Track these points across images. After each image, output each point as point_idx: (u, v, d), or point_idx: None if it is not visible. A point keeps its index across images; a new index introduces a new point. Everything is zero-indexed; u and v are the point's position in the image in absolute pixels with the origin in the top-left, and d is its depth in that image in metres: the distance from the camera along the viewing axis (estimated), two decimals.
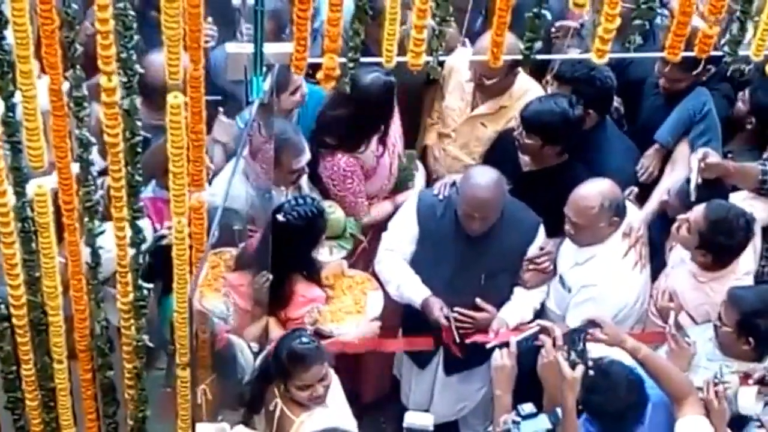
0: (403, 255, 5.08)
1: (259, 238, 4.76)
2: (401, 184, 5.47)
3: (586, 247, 4.82)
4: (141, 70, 3.46)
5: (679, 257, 4.80)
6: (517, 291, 5.05)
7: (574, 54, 5.15)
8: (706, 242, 4.54)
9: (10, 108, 3.46)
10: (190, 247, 3.76)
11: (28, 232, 3.75)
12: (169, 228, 3.98)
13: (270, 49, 3.41)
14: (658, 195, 5.05)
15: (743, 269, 4.67)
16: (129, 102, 3.46)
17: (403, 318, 5.33)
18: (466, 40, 5.30)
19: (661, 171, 5.26)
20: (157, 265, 4.14)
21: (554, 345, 4.13)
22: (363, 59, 3.51)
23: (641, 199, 5.11)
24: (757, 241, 4.82)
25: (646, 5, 3.35)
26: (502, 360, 4.28)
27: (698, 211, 4.56)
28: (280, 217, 4.64)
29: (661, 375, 4.14)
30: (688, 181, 4.81)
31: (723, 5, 3.40)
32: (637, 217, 4.91)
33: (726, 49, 3.61)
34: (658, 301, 4.78)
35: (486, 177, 4.81)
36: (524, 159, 5.17)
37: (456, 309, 4.92)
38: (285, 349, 4.20)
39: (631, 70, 5.35)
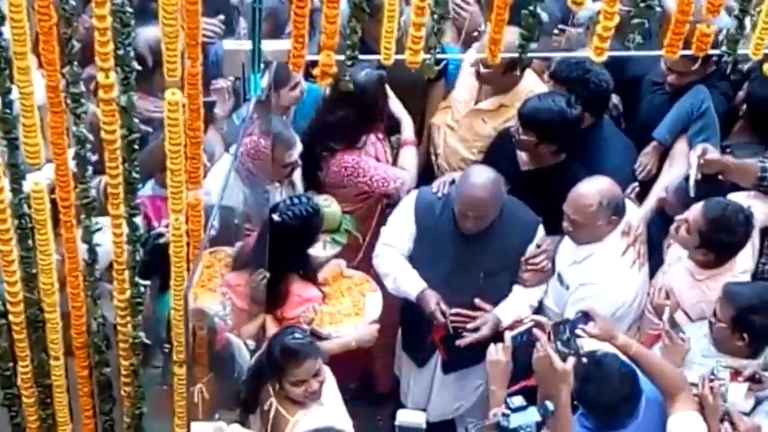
0: (401, 251, 5.07)
1: (255, 236, 4.76)
2: None
3: (584, 246, 4.82)
4: (138, 67, 3.45)
5: (677, 255, 4.80)
6: (515, 289, 5.05)
7: (573, 52, 5.15)
8: (706, 241, 4.54)
9: (7, 104, 3.46)
10: (188, 244, 3.76)
11: (25, 229, 3.75)
12: (167, 226, 3.98)
13: (268, 46, 3.41)
14: (657, 193, 5.05)
15: (741, 267, 4.67)
16: (126, 99, 3.45)
17: (401, 318, 5.33)
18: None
19: (659, 168, 5.25)
20: (154, 263, 4.13)
21: (549, 339, 4.14)
22: (361, 57, 3.51)
23: (640, 197, 5.11)
24: (755, 239, 4.81)
25: (645, 4, 3.35)
26: (497, 355, 4.29)
27: (696, 211, 4.56)
28: (275, 216, 4.64)
29: (653, 371, 4.14)
30: (686, 178, 4.81)
31: (720, 4, 3.40)
32: (636, 215, 4.91)
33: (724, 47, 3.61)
34: (654, 298, 4.78)
35: (483, 177, 4.81)
36: (522, 158, 5.17)
37: (454, 310, 4.91)
38: (278, 345, 4.21)
39: (629, 68, 5.35)
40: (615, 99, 5.40)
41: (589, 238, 4.81)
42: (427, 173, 5.56)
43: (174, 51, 3.33)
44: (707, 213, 4.52)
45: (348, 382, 4.99)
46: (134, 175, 3.62)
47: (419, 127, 5.62)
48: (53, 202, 3.70)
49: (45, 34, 3.28)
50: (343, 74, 3.54)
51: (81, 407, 4.33)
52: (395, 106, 5.39)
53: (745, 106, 5.14)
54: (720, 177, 4.85)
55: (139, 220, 3.85)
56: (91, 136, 3.61)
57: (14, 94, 3.41)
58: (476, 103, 5.42)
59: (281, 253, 4.60)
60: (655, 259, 4.99)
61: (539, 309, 5.03)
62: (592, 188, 4.70)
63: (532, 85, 5.31)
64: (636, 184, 5.15)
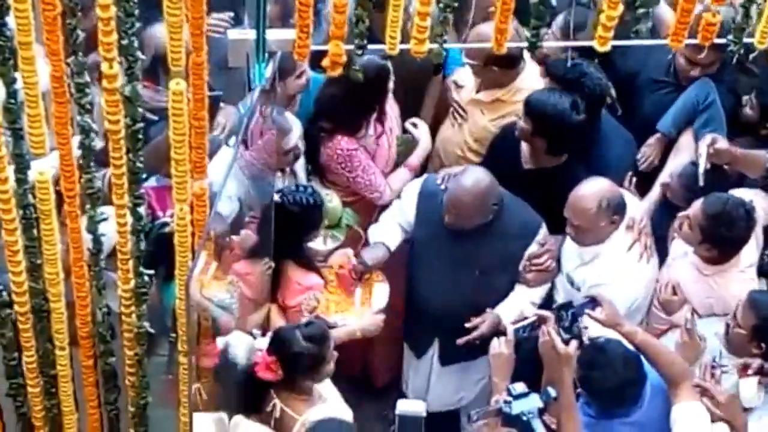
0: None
1: (258, 225, 4.76)
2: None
3: (590, 247, 4.82)
4: (142, 57, 3.45)
5: (682, 249, 4.78)
6: (517, 288, 5.03)
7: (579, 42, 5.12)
8: (708, 237, 4.52)
9: (12, 94, 3.46)
10: (192, 234, 3.76)
11: (30, 219, 3.75)
12: (172, 216, 3.97)
13: (272, 35, 3.40)
14: (659, 184, 5.04)
15: (746, 261, 4.65)
16: (131, 89, 3.45)
17: (405, 308, 5.34)
18: None
19: (662, 160, 5.24)
20: (158, 253, 4.13)
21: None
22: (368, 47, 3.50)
23: (642, 189, 5.09)
24: (758, 233, 4.80)
25: None
26: (500, 348, 4.30)
27: (696, 207, 4.55)
28: (277, 197, 4.63)
29: (658, 359, 4.13)
30: (693, 164, 4.80)
31: None
32: (639, 208, 4.90)
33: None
34: (661, 293, 4.77)
35: (472, 179, 4.79)
36: (525, 156, 5.16)
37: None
38: (303, 340, 4.12)
39: (621, 64, 5.31)
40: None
41: (593, 240, 4.79)
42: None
43: (179, 41, 3.33)
44: (707, 209, 4.51)
45: (346, 375, 4.98)
46: (138, 165, 3.62)
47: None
48: (58, 192, 3.70)
49: (49, 24, 3.28)
50: (351, 63, 3.52)
51: (86, 397, 4.35)
52: (422, 128, 5.37)
53: (748, 110, 5.09)
54: (726, 168, 4.84)
55: (143, 209, 3.85)
56: (96, 126, 3.61)
57: (19, 84, 3.41)
58: (476, 92, 5.41)
59: (280, 239, 4.59)
60: (661, 251, 4.99)
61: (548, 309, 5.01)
62: (590, 191, 4.69)
63: (533, 83, 5.29)
64: (631, 173, 5.13)
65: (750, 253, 4.66)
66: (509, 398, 3.95)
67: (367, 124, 5.21)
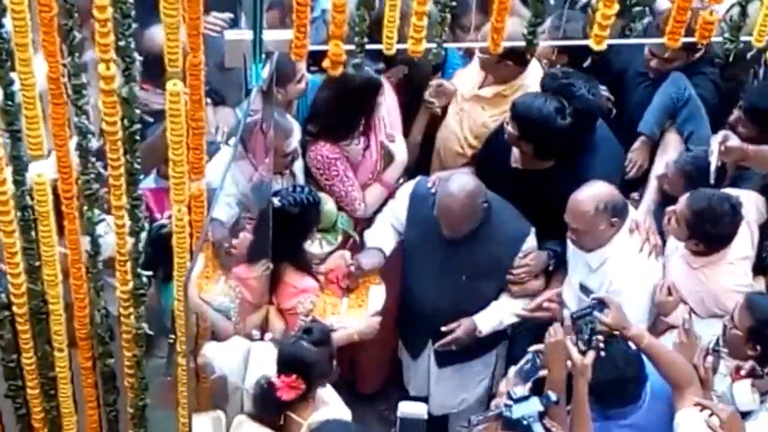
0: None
1: (255, 227, 4.75)
2: None
3: (595, 252, 4.81)
4: (139, 58, 3.45)
5: (674, 245, 4.79)
6: (502, 297, 5.04)
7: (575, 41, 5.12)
8: (694, 232, 4.54)
9: (9, 96, 3.45)
10: (191, 235, 3.76)
11: (28, 221, 3.75)
12: (170, 217, 3.97)
13: (269, 36, 3.40)
14: (654, 183, 5.04)
15: (736, 254, 4.65)
16: (128, 90, 3.45)
17: (399, 309, 5.34)
18: None
19: (650, 163, 5.24)
20: (157, 254, 4.13)
21: (562, 325, 4.10)
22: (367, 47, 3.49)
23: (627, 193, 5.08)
24: (752, 226, 4.79)
25: None
26: (556, 335, 4.12)
27: (682, 203, 4.56)
28: (275, 200, 4.63)
29: (663, 363, 4.12)
30: (687, 149, 4.79)
31: None
32: (640, 209, 4.90)
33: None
34: (656, 294, 4.77)
35: (458, 185, 4.78)
36: (515, 155, 5.16)
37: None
38: (310, 345, 4.16)
39: (615, 61, 5.31)
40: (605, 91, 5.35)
41: (594, 244, 4.79)
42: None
43: (175, 42, 3.33)
44: (692, 205, 4.52)
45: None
46: (136, 166, 3.62)
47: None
48: (56, 193, 3.70)
49: (46, 25, 3.28)
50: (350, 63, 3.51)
51: (85, 398, 4.34)
52: (398, 143, 5.36)
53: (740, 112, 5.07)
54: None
55: (140, 211, 3.84)
56: (93, 127, 3.61)
57: (16, 86, 3.41)
58: (479, 87, 5.41)
59: (276, 240, 4.59)
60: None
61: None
62: (588, 194, 4.68)
63: (535, 80, 5.28)
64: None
65: (741, 246, 4.66)
66: (510, 402, 3.93)
67: (352, 134, 5.20)
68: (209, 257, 4.76)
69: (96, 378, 4.31)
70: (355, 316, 4.89)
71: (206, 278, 4.73)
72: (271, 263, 4.67)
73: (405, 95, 5.36)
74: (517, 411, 3.90)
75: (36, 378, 4.19)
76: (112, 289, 4.05)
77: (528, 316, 5.02)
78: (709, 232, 4.52)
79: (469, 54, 5.58)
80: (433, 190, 4.98)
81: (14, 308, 3.95)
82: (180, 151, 3.54)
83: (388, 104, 5.35)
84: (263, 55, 3.43)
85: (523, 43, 3.49)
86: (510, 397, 3.94)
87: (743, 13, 3.52)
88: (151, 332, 4.11)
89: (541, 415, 3.89)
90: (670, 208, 4.62)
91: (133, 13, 3.31)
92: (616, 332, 4.14)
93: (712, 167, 4.73)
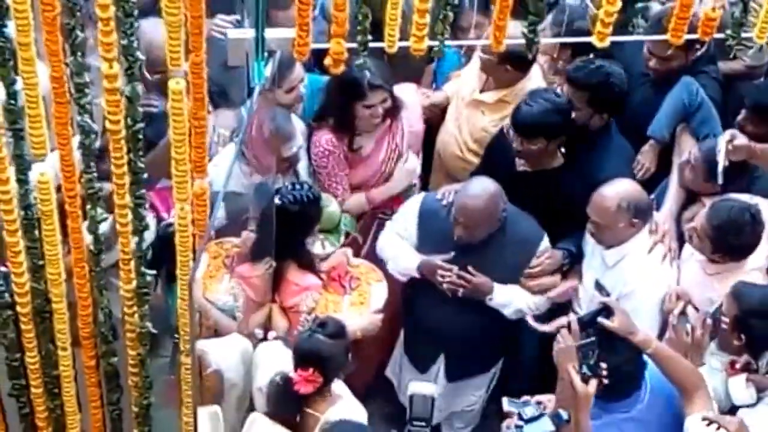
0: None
1: (257, 225, 4.75)
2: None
3: (613, 249, 4.81)
4: (142, 57, 3.45)
5: (690, 250, 4.78)
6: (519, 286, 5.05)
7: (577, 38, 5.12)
8: (718, 246, 4.52)
9: (12, 95, 3.46)
10: (193, 234, 3.76)
11: (32, 220, 3.75)
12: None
13: (271, 34, 3.40)
14: (676, 187, 5.02)
15: (753, 264, 4.61)
16: (131, 89, 3.45)
17: (405, 321, 5.33)
18: None
19: (658, 167, 5.23)
20: (163, 253, 4.13)
21: (569, 330, 4.07)
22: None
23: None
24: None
25: None
26: (565, 342, 4.08)
27: (701, 219, 4.54)
28: (276, 199, 4.63)
29: (671, 368, 4.09)
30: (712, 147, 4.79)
31: None
32: (661, 212, 4.89)
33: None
34: (666, 302, 4.75)
35: (480, 188, 4.78)
36: (519, 159, 5.15)
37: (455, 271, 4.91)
38: (328, 338, 4.19)
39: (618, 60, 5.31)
40: None
41: (612, 240, 4.79)
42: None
43: (177, 40, 3.33)
44: (712, 219, 4.50)
45: None
46: (139, 165, 3.62)
47: None
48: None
49: (48, 24, 3.28)
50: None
51: (88, 397, 4.35)
52: (401, 169, 5.35)
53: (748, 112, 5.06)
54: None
55: (144, 210, 3.84)
56: (96, 127, 3.61)
57: (19, 85, 3.41)
58: (480, 92, 5.41)
59: (279, 239, 4.59)
60: None
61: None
62: (613, 190, 4.69)
63: (536, 85, 5.28)
64: None
65: (758, 255, 4.64)
66: (521, 422, 3.92)
67: (352, 128, 5.20)
68: (213, 256, 4.77)
69: (100, 377, 4.31)
70: (357, 314, 4.90)
71: (210, 278, 4.74)
72: (274, 261, 4.68)
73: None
74: (529, 431, 3.88)
75: (39, 377, 4.19)
76: (115, 288, 4.05)
77: (546, 330, 4.97)
78: (733, 244, 4.51)
79: (468, 54, 5.59)
80: (444, 202, 4.98)
81: (18, 307, 3.95)
82: (182, 150, 3.54)
83: (412, 118, 5.36)
84: (266, 54, 3.42)
85: (523, 41, 3.48)
86: (521, 418, 3.92)
87: (745, 10, 3.52)
88: (155, 331, 4.11)
89: None
90: (690, 225, 4.61)
91: (135, 12, 3.31)
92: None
93: (720, 167, 4.71)
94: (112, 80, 3.36)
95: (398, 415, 4.76)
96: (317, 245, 4.95)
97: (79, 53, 3.42)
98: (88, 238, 3.88)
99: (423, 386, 4.27)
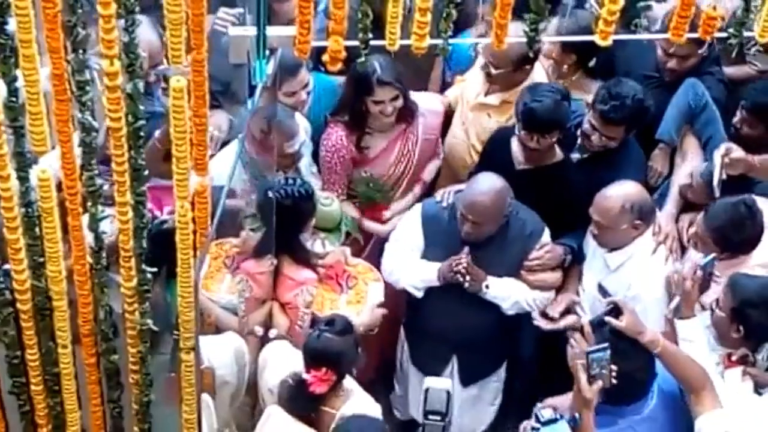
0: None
1: (260, 221, 4.75)
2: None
3: (615, 252, 4.80)
4: (144, 54, 3.45)
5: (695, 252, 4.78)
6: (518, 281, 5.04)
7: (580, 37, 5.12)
8: (724, 247, 4.53)
9: (13, 92, 3.46)
10: (194, 231, 3.76)
11: (32, 217, 3.75)
12: (171, 213, 3.97)
13: (273, 32, 3.39)
14: (677, 188, 5.02)
15: (756, 260, 4.62)
16: (132, 86, 3.45)
17: (408, 331, 5.33)
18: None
19: (670, 170, 5.23)
20: (158, 251, 4.13)
21: (582, 334, 4.07)
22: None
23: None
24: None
25: None
26: (579, 346, 4.09)
27: (700, 224, 4.56)
28: (269, 193, 4.63)
29: (678, 367, 4.09)
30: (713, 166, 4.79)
31: None
32: (663, 214, 4.89)
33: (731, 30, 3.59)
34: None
35: (488, 183, 4.79)
36: (518, 158, 5.15)
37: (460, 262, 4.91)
38: (335, 335, 4.20)
39: (619, 64, 5.30)
40: None
41: (614, 242, 4.78)
42: None
43: (178, 37, 3.33)
44: (711, 222, 4.52)
45: None
46: (140, 162, 3.61)
47: None
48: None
49: (49, 21, 3.27)
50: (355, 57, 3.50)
51: (89, 395, 4.34)
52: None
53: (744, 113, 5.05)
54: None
55: (145, 207, 3.84)
56: (96, 124, 3.61)
57: (20, 82, 3.41)
58: (485, 95, 5.41)
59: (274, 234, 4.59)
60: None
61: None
62: (617, 192, 4.68)
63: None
64: None
65: (761, 252, 4.64)
66: (537, 425, 3.92)
67: (362, 125, 5.21)
68: (213, 257, 4.77)
69: (100, 374, 4.31)
70: (353, 313, 4.89)
71: (210, 278, 4.74)
72: (275, 258, 4.69)
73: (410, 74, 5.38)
74: None
75: (40, 374, 4.19)
76: (116, 286, 4.05)
77: (552, 328, 4.98)
78: (737, 240, 4.53)
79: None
80: (444, 204, 4.98)
81: (18, 305, 3.95)
82: (183, 148, 3.53)
83: (431, 126, 5.35)
84: (267, 51, 3.42)
85: (523, 39, 3.48)
86: (537, 420, 3.92)
87: (747, 9, 3.51)
88: (155, 328, 4.11)
89: None
90: (690, 232, 4.62)
91: (137, 9, 3.31)
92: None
93: (715, 181, 4.71)
94: (114, 78, 3.35)
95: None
96: (317, 244, 4.95)
97: (80, 50, 3.42)
98: (88, 236, 3.87)
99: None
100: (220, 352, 4.49)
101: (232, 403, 4.66)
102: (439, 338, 5.13)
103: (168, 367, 4.60)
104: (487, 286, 4.91)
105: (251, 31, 3.38)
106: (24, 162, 3.62)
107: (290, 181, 4.75)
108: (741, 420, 4.03)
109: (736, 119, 5.01)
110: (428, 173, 5.49)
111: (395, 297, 5.15)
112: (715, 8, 3.47)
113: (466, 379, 5.24)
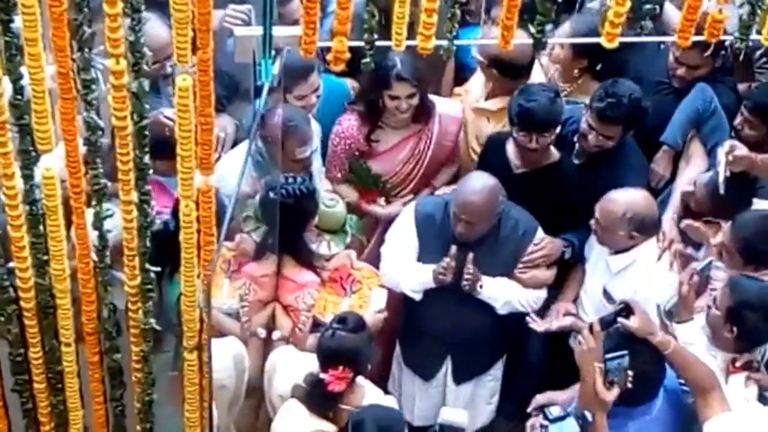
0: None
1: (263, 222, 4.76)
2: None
3: (617, 256, 4.81)
4: (149, 53, 3.45)
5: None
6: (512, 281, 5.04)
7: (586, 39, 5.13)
8: (750, 258, 4.53)
9: (19, 90, 3.46)
10: (198, 231, 3.76)
11: (36, 215, 3.75)
12: (159, 213, 3.96)
13: (279, 32, 3.40)
14: (679, 194, 5.02)
15: None
16: (137, 85, 3.45)
17: (401, 332, 5.33)
18: None
19: (673, 174, 5.23)
20: (153, 249, 4.13)
21: (591, 332, 4.07)
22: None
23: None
24: None
25: None
26: (587, 344, 4.10)
27: (727, 234, 4.55)
28: (271, 194, 4.63)
29: (687, 368, 4.10)
30: (717, 173, 4.79)
31: None
32: (664, 219, 4.89)
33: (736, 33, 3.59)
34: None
35: (480, 183, 4.81)
36: (514, 161, 5.16)
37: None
38: (348, 334, 4.23)
39: (629, 69, 5.30)
40: None
41: (611, 243, 4.81)
42: None
43: (185, 37, 3.33)
44: (738, 233, 4.51)
45: None
46: (145, 161, 3.62)
47: None
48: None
49: (55, 20, 3.28)
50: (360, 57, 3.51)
51: (92, 393, 4.34)
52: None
53: (748, 130, 5.05)
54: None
55: (149, 206, 3.84)
56: (101, 123, 3.61)
57: (25, 80, 3.41)
58: (485, 99, 5.42)
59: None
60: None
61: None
62: (622, 197, 4.71)
63: None
64: None
65: None
66: (546, 422, 3.93)
67: (375, 124, 5.21)
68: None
69: (103, 373, 4.31)
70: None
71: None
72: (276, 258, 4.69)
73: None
74: (554, 431, 3.88)
75: (43, 372, 4.18)
76: (119, 284, 4.05)
77: (546, 330, 4.98)
78: (763, 251, 4.51)
79: None
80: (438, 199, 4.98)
81: (22, 303, 3.94)
82: (188, 147, 3.53)
83: (448, 132, 5.35)
84: (273, 51, 3.43)
85: (529, 41, 3.48)
86: (546, 417, 3.93)
87: (753, 12, 3.51)
88: (158, 328, 4.11)
89: None
90: (715, 241, 4.62)
91: (143, 8, 3.31)
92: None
93: (721, 177, 4.72)
94: (119, 76, 3.35)
95: None
96: (323, 246, 4.96)
97: (86, 49, 3.42)
98: (92, 234, 3.87)
99: (455, 414, 4.24)
100: (219, 356, 4.49)
101: (231, 408, 4.66)
102: (434, 338, 5.15)
103: (171, 366, 4.60)
104: (481, 286, 4.91)
105: (257, 30, 3.39)
106: (28, 160, 3.62)
107: (291, 180, 4.75)
108: (748, 425, 4.03)
109: (737, 121, 5.02)
110: (440, 181, 5.49)
111: (395, 302, 5.16)
112: (721, 11, 3.47)
113: (460, 377, 5.25)
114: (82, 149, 3.63)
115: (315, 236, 4.94)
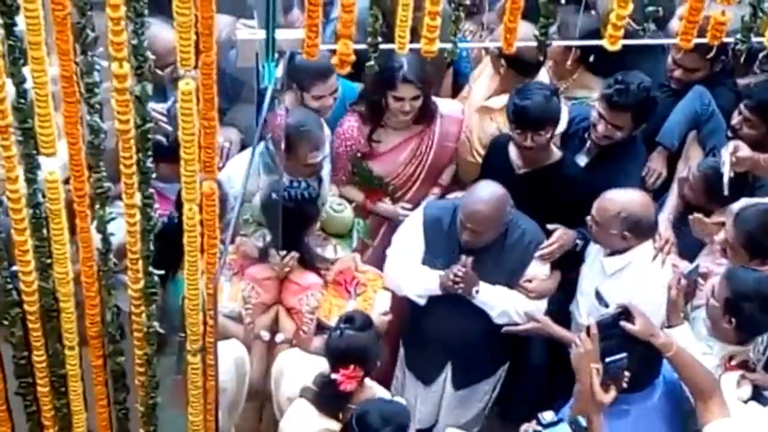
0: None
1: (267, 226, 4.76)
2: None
3: (612, 258, 4.81)
4: (153, 57, 3.45)
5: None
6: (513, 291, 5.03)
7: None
8: (755, 252, 4.53)
9: (22, 94, 3.46)
10: (201, 234, 3.76)
11: (40, 219, 3.76)
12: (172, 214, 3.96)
13: (282, 35, 3.40)
14: (676, 195, 5.03)
15: None
16: (140, 88, 3.45)
17: (404, 337, 5.33)
18: None
19: (670, 176, 5.23)
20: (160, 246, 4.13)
21: (588, 335, 4.07)
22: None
23: None
24: None
25: None
26: (584, 346, 4.09)
27: (730, 230, 4.54)
28: (273, 195, 4.63)
29: (689, 371, 4.09)
30: (713, 167, 4.79)
31: None
32: (660, 220, 4.89)
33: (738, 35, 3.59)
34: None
35: (488, 192, 4.80)
36: (516, 162, 5.16)
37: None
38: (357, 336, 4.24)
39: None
40: None
41: (604, 242, 4.80)
42: None
43: (188, 40, 3.33)
44: (742, 227, 4.50)
45: None
46: (148, 164, 3.62)
47: None
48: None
49: (59, 23, 3.28)
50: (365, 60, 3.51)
51: (95, 396, 4.34)
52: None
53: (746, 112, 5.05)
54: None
55: (153, 210, 3.84)
56: (105, 126, 3.61)
57: (28, 84, 3.41)
58: (489, 97, 5.42)
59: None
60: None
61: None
62: (619, 197, 4.70)
63: None
64: None
65: None
66: (539, 428, 3.92)
67: (377, 124, 5.22)
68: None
69: (106, 376, 4.31)
70: None
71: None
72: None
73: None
74: None
75: (47, 375, 4.19)
76: (123, 287, 4.05)
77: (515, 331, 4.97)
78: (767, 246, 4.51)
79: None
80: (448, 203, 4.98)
81: (25, 306, 3.95)
82: (191, 150, 3.54)
83: (450, 135, 5.36)
84: (276, 54, 3.43)
85: (533, 43, 3.49)
86: (539, 423, 3.92)
87: (755, 14, 3.51)
88: (162, 331, 4.11)
89: None
90: (719, 238, 4.62)
91: (146, 11, 3.31)
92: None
93: (725, 178, 4.72)
94: (122, 80, 3.36)
95: None
96: (329, 249, 4.96)
97: (89, 52, 3.43)
98: (96, 238, 3.88)
99: None
100: (220, 360, 4.49)
101: (231, 411, 4.66)
102: (435, 344, 5.14)
103: (174, 369, 4.60)
104: (477, 291, 4.91)
105: (260, 34, 3.39)
106: (32, 164, 3.62)
107: (295, 184, 4.75)
108: (746, 429, 4.03)
109: (735, 120, 5.02)
110: (443, 180, 5.51)
111: (400, 305, 5.16)
112: (723, 13, 3.47)
113: (459, 384, 5.25)
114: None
115: (321, 240, 4.94)
